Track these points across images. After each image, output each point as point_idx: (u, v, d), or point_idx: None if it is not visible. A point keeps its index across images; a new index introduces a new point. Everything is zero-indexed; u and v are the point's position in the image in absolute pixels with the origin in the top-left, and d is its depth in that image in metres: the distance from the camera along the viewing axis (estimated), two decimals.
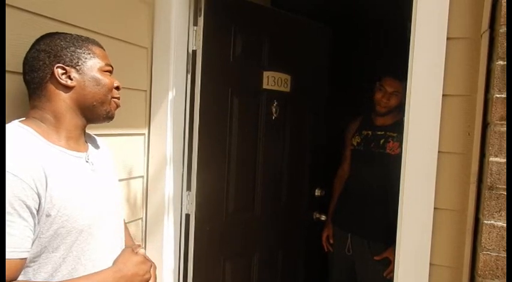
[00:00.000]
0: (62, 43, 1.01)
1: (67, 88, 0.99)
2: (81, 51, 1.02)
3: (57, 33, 1.04)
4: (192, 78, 1.76)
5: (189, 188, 1.79)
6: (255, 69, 2.01)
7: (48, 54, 0.99)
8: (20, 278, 0.87)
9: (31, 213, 0.85)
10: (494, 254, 1.09)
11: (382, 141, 2.16)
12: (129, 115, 1.58)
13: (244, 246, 2.06)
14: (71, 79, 1.00)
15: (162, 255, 1.71)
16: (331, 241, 2.38)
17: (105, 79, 1.04)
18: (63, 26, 1.23)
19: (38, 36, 1.03)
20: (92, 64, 1.03)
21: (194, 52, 1.75)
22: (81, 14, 1.31)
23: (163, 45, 1.67)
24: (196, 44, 1.75)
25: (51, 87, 0.99)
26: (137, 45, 1.60)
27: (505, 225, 1.08)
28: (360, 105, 2.36)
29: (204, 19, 1.73)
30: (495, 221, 1.10)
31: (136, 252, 1.06)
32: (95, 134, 1.21)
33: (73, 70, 1.00)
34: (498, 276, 1.09)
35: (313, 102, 2.32)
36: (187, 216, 1.80)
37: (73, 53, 1.01)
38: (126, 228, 1.29)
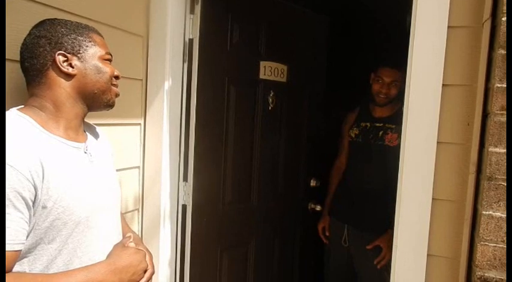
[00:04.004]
0: (63, 30, 0.99)
1: (68, 76, 0.98)
2: (82, 38, 1.00)
3: (56, 19, 1.02)
4: (189, 67, 1.74)
5: (185, 179, 1.78)
6: (252, 59, 1.99)
7: (49, 40, 0.97)
8: (16, 269, 0.87)
9: (26, 204, 0.83)
10: (492, 244, 1.09)
11: (381, 133, 2.15)
12: (125, 105, 1.56)
13: (241, 236, 2.06)
14: (72, 67, 0.98)
15: (158, 246, 1.70)
16: (327, 233, 2.39)
17: (106, 68, 1.03)
18: (57, 12, 1.20)
19: (32, 22, 1.01)
20: (93, 52, 1.01)
21: (191, 41, 1.73)
22: (76, 0, 1.28)
23: (159, 34, 1.64)
24: (193, 32, 1.72)
25: (52, 74, 0.97)
26: (133, 33, 1.57)
27: (503, 215, 1.08)
28: (358, 96, 2.34)
29: (201, 7, 1.70)
30: (493, 212, 1.09)
31: (127, 246, 1.05)
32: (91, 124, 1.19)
33: (74, 58, 0.98)
34: (496, 267, 1.09)
35: (310, 93, 2.31)
36: (184, 206, 1.79)
37: (74, 41, 0.99)
38: (123, 219, 1.28)
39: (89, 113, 1.07)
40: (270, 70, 2.06)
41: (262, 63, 2.02)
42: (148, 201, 1.71)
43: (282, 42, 2.10)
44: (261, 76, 2.02)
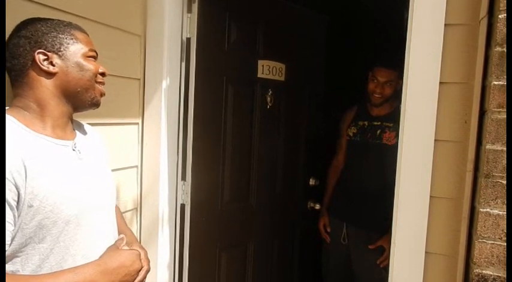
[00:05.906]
0: (43, 28, 0.98)
1: (49, 74, 0.97)
2: (63, 36, 0.99)
3: (38, 18, 1.01)
4: (187, 66, 1.74)
5: (184, 178, 1.78)
6: (250, 58, 1.99)
7: (29, 40, 0.96)
8: (9, 268, 0.86)
9: (8, 205, 0.83)
10: (489, 242, 1.09)
11: (378, 131, 2.15)
12: (123, 104, 1.56)
13: (240, 235, 2.05)
14: (53, 65, 0.97)
15: (157, 245, 1.70)
16: (328, 230, 2.39)
17: (89, 65, 1.02)
18: (52, 11, 1.20)
19: None
20: (74, 50, 1.00)
21: (188, 40, 1.73)
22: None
23: (156, 33, 1.64)
24: (191, 31, 1.72)
25: (33, 74, 0.96)
26: (130, 32, 1.57)
27: (500, 213, 1.08)
28: (358, 96, 2.34)
29: (198, 6, 1.70)
30: (491, 209, 1.09)
31: (120, 248, 1.04)
32: (88, 123, 1.18)
33: (55, 56, 0.97)
34: (493, 264, 1.09)
35: (308, 92, 2.31)
36: (183, 206, 1.79)
37: (55, 39, 0.98)
38: (121, 217, 1.27)
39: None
40: (268, 69, 2.06)
41: (260, 62, 2.02)
42: (147, 200, 1.71)
43: (280, 41, 2.10)
44: (259, 75, 2.02)
